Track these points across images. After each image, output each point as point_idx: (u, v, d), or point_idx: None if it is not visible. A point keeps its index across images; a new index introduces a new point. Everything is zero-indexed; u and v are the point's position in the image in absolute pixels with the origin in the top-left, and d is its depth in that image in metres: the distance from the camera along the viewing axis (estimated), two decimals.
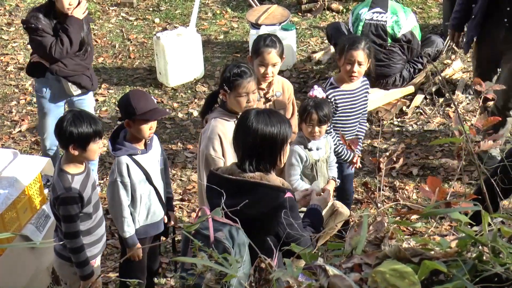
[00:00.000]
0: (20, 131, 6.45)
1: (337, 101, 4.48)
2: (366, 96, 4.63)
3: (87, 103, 5.38)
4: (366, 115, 4.80)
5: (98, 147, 3.74)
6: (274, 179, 3.09)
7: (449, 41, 6.55)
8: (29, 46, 7.64)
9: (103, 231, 3.97)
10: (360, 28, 6.13)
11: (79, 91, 5.26)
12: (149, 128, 3.86)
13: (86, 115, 3.72)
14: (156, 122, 3.95)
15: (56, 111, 5.26)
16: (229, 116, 3.91)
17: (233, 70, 3.91)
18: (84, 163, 3.80)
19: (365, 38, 4.66)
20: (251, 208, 2.80)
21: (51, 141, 5.30)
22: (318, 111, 4.14)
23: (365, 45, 4.39)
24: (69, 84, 5.17)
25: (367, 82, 4.66)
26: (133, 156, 3.88)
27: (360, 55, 4.36)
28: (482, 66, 5.35)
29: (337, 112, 4.50)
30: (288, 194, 3.06)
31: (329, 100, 4.41)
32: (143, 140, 3.93)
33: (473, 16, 5.12)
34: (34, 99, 6.83)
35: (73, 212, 3.68)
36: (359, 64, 4.38)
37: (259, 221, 3.01)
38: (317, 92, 4.22)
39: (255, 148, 3.07)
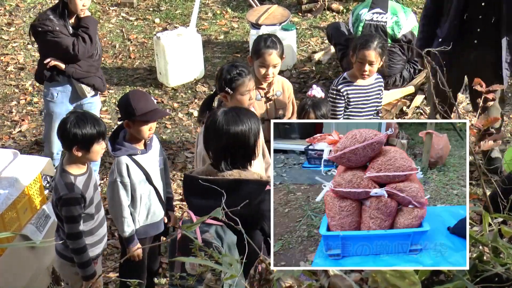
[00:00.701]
0: (20, 131, 6.44)
1: (350, 96, 4.47)
2: (379, 93, 4.60)
3: (95, 105, 5.40)
4: (381, 114, 4.79)
5: (101, 148, 3.74)
6: (251, 174, 3.10)
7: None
8: (29, 46, 7.66)
9: (104, 231, 3.97)
10: (360, 29, 6.13)
11: (93, 93, 5.28)
12: (148, 129, 3.86)
13: (90, 116, 3.73)
14: (155, 122, 3.95)
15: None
16: None
17: (233, 71, 3.92)
18: (86, 164, 3.80)
19: (379, 37, 4.64)
20: (236, 205, 2.79)
21: (59, 147, 5.29)
22: (316, 110, 4.14)
23: (378, 45, 4.37)
24: (83, 86, 5.19)
25: (381, 79, 4.65)
26: (133, 156, 3.88)
27: (372, 55, 4.35)
28: (443, 93, 5.08)
29: (349, 107, 4.50)
30: (268, 187, 3.06)
31: (342, 96, 4.42)
32: (143, 140, 3.93)
33: (440, 40, 4.87)
34: (35, 99, 6.83)
35: (75, 213, 3.68)
36: (370, 63, 4.38)
37: (244, 217, 3.01)
38: (316, 91, 4.22)
39: (228, 148, 3.08)
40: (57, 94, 5.21)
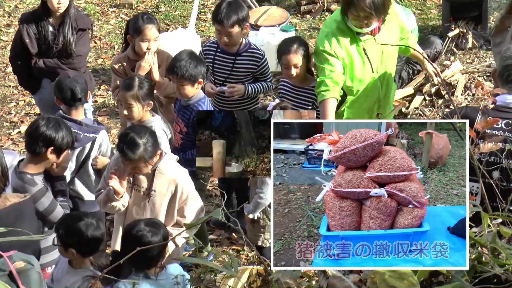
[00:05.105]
0: (19, 132, 6.44)
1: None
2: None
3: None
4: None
5: (68, 157, 3.81)
6: None
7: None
8: None
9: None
10: None
11: None
12: None
13: (64, 123, 3.77)
14: None
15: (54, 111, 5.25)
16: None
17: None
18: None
19: (298, 40, 4.73)
20: None
21: None
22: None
23: (298, 47, 4.48)
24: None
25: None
26: None
27: (293, 58, 4.47)
28: None
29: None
30: None
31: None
32: None
33: None
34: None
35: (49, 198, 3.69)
36: (295, 66, 4.48)
37: None
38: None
39: None
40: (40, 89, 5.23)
